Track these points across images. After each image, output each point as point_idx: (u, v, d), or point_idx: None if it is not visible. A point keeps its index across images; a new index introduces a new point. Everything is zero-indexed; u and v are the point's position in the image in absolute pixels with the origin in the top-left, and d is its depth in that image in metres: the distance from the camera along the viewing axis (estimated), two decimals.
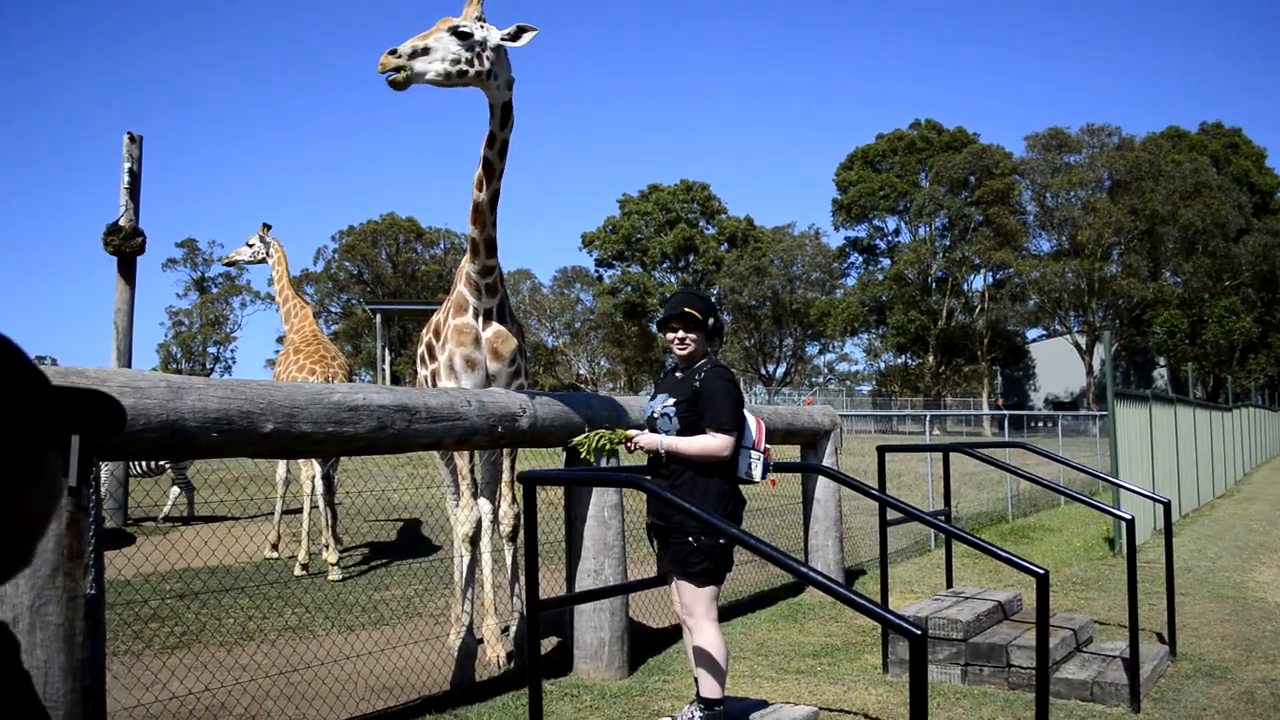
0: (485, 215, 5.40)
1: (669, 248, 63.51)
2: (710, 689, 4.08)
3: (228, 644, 6.49)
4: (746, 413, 4.27)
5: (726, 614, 7.33)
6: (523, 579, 5.60)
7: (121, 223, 11.12)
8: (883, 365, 66.71)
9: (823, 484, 8.33)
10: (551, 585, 6.47)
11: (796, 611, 7.65)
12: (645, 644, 6.39)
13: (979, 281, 60.28)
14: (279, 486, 10.42)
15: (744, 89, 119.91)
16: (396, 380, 39.23)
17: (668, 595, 4.41)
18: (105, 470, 10.36)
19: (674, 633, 6.43)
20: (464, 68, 4.77)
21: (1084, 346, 56.36)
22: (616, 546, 5.77)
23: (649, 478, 4.11)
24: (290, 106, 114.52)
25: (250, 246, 11.19)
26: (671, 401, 4.21)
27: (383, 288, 67.27)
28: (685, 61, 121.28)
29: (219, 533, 10.70)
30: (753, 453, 4.21)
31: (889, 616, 2.92)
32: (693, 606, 4.11)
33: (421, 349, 6.27)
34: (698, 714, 4.09)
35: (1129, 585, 5.39)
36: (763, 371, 66.35)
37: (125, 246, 11.21)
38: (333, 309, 70.42)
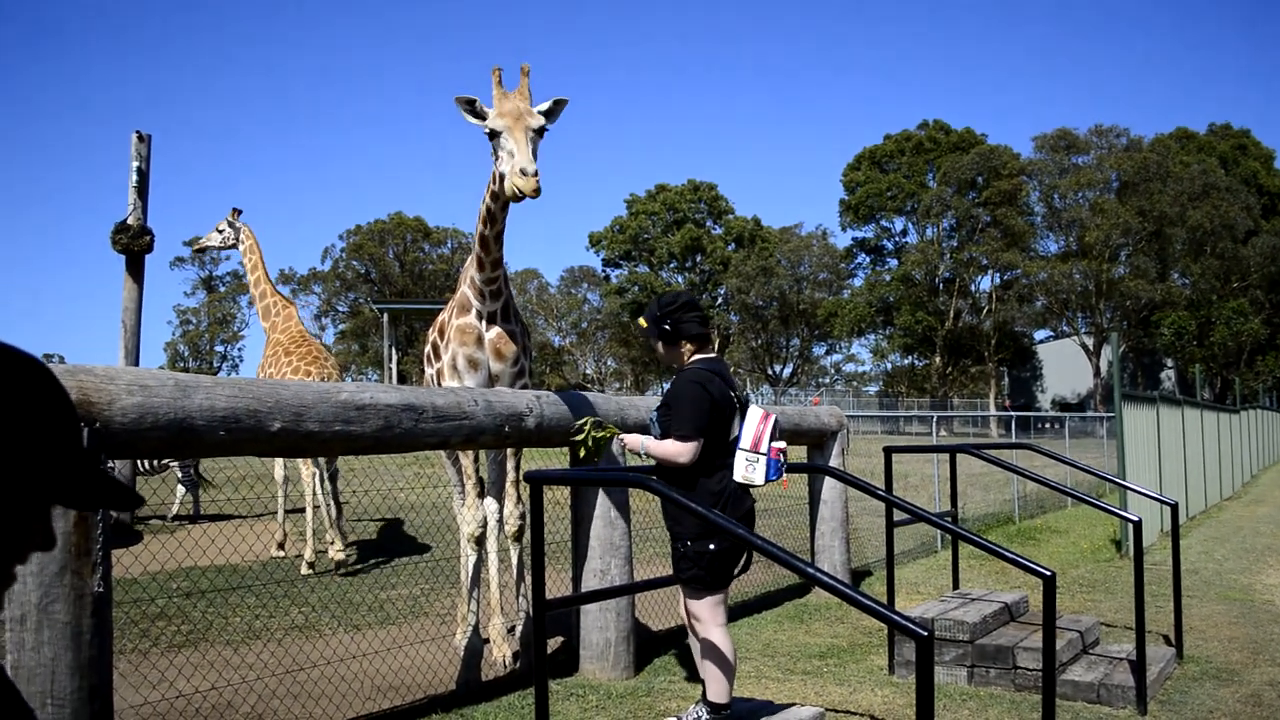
0: (491, 246, 5.54)
1: (676, 248, 63.51)
2: (716, 692, 4.07)
3: (234, 642, 6.50)
4: (752, 410, 4.14)
5: (733, 615, 7.32)
6: (529, 579, 5.61)
7: (130, 221, 11.14)
8: (889, 366, 66.66)
9: (829, 485, 8.32)
10: (557, 585, 6.47)
11: (803, 612, 7.64)
12: (651, 644, 6.39)
13: (986, 282, 60.24)
14: (280, 485, 10.37)
15: (752, 89, 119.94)
16: (403, 379, 39.25)
17: (673, 596, 4.41)
18: (115, 469, 10.37)
19: (679, 633, 6.43)
20: None
21: (1091, 348, 56.22)
22: (623, 547, 5.77)
23: (655, 478, 4.09)
24: (299, 106, 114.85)
25: (220, 232, 10.91)
26: (656, 406, 4.24)
27: (390, 287, 67.35)
28: (693, 61, 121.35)
29: (225, 531, 10.72)
30: (749, 454, 4.04)
31: (895, 618, 2.91)
32: (695, 611, 4.10)
33: (427, 348, 6.29)
34: (704, 715, 4.08)
35: (1136, 587, 5.37)
36: (769, 372, 66.30)
37: (133, 245, 11.23)
38: (340, 308, 70.60)
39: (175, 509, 12.42)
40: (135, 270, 11.64)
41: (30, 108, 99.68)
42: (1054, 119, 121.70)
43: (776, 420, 4.19)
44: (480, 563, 5.92)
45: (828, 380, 69.90)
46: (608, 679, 5.62)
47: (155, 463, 12.21)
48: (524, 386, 5.83)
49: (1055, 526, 13.11)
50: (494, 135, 5.02)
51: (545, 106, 5.12)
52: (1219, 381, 55.36)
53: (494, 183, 5.22)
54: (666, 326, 4.21)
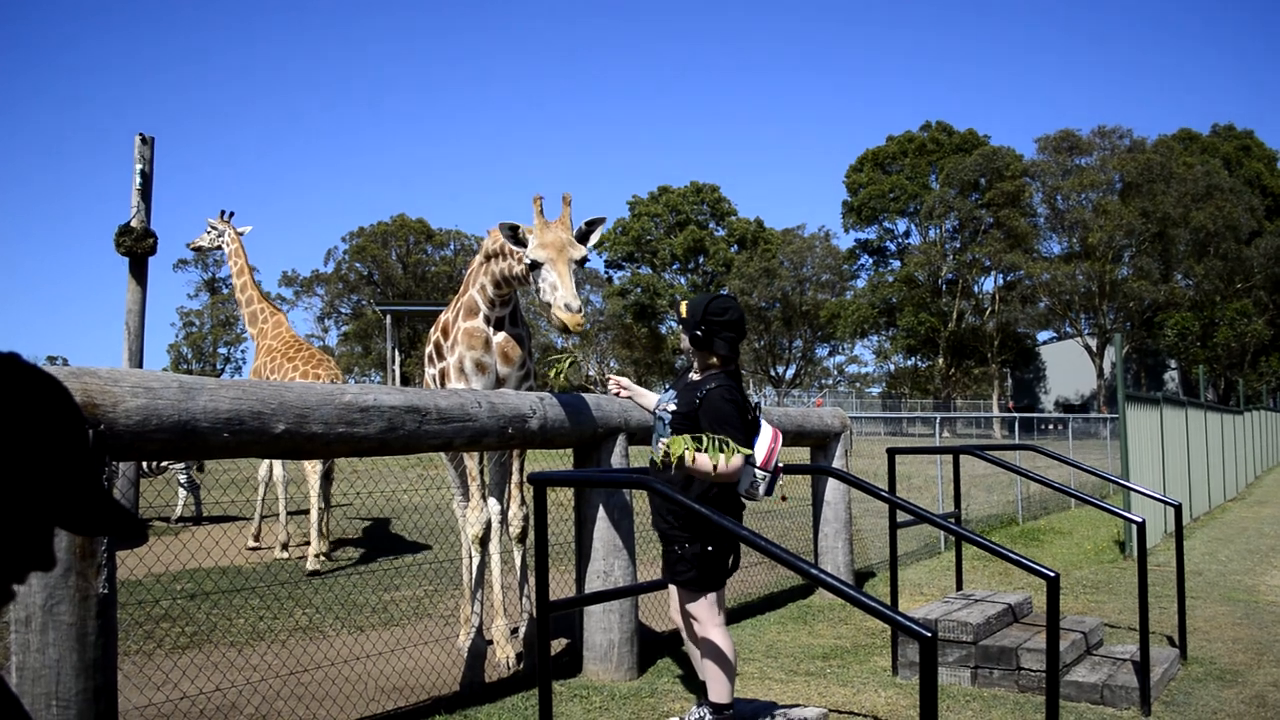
0: (504, 288, 5.72)
1: (679, 249, 63.52)
2: (718, 692, 4.08)
3: (238, 644, 6.51)
4: (765, 427, 4.14)
5: (736, 615, 7.33)
6: (532, 580, 5.61)
7: (133, 224, 11.15)
8: (892, 367, 66.61)
9: (832, 486, 8.32)
10: (561, 586, 6.48)
11: (806, 613, 7.64)
12: (654, 646, 6.40)
13: (989, 284, 60.18)
14: (280, 487, 10.35)
15: (754, 90, 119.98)
16: (406, 381, 39.30)
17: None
18: (120, 473, 10.38)
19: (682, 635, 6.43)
20: None
21: (1095, 349, 56.15)
22: (626, 548, 5.77)
23: (655, 480, 4.08)
24: (302, 108, 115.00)
25: (209, 232, 11.00)
26: (672, 409, 4.16)
27: (393, 289, 67.40)
28: (695, 63, 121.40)
29: (229, 533, 10.74)
30: (757, 471, 4.05)
31: (899, 618, 2.91)
32: (694, 612, 4.10)
33: (429, 348, 6.29)
34: (707, 716, 4.09)
35: (1139, 588, 5.37)
36: (772, 373, 66.28)
37: (137, 247, 11.23)
38: (343, 310, 70.61)
39: (178, 510, 12.45)
40: (138, 272, 11.65)
41: (34, 110, 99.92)
42: (1057, 120, 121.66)
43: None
44: (484, 564, 5.92)
45: (830, 381, 69.85)
46: (611, 680, 5.63)
47: (154, 465, 12.24)
48: (530, 389, 5.85)
49: (1058, 528, 13.09)
50: (535, 266, 5.09)
51: (581, 229, 5.28)
52: (1222, 383, 55.29)
53: (531, 289, 5.33)
54: (700, 332, 4.15)
